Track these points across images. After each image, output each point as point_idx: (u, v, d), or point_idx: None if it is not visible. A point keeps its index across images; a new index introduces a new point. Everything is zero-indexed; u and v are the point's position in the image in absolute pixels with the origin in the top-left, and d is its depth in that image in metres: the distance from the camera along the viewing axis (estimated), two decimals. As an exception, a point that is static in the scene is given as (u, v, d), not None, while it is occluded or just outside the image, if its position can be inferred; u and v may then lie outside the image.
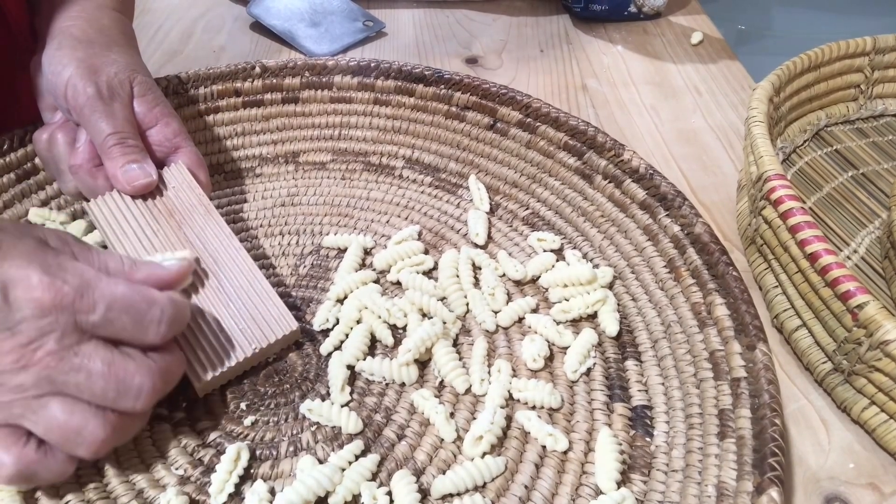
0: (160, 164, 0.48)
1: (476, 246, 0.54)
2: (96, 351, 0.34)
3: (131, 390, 0.35)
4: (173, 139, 0.49)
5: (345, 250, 0.53)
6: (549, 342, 0.46)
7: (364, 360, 0.45)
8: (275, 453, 0.41)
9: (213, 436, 0.41)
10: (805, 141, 0.66)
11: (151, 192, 0.47)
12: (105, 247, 0.49)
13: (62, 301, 0.33)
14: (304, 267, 0.52)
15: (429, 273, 0.51)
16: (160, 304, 0.36)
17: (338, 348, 0.46)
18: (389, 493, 0.38)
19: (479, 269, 0.51)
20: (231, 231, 0.47)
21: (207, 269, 0.45)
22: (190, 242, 0.45)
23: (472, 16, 0.88)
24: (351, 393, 0.44)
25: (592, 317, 0.48)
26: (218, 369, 0.42)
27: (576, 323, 0.48)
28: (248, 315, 0.43)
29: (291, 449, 0.41)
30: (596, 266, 0.51)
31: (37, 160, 0.53)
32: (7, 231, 0.35)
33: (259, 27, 0.81)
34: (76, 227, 0.52)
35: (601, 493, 0.39)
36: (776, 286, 0.50)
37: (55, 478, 0.36)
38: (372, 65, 0.59)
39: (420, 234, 0.54)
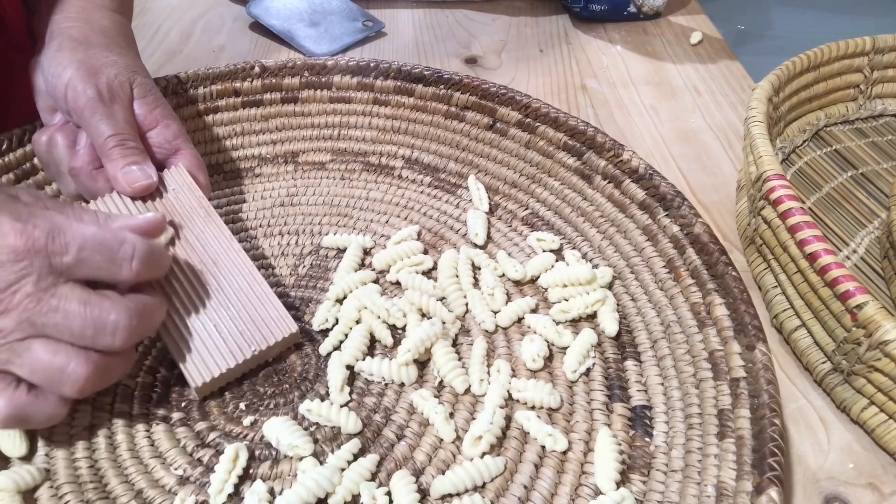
0: (160, 166, 0.48)
1: (475, 246, 0.54)
2: (72, 291, 0.35)
3: (107, 327, 0.36)
4: (173, 141, 0.49)
5: (344, 250, 0.53)
6: (548, 342, 0.46)
7: (363, 360, 0.45)
8: (274, 453, 0.41)
9: (212, 436, 0.41)
10: (804, 141, 0.66)
11: (151, 194, 0.47)
12: None
13: (34, 244, 0.34)
14: (304, 267, 0.52)
15: (428, 273, 0.51)
16: (130, 240, 0.38)
17: (337, 348, 0.46)
18: (389, 494, 0.38)
19: (479, 269, 0.51)
20: (231, 233, 0.46)
21: (207, 272, 0.45)
22: (190, 245, 0.45)
23: (472, 16, 0.88)
24: (350, 393, 0.44)
25: (592, 317, 0.48)
26: (217, 372, 0.42)
27: (575, 323, 0.48)
28: (247, 317, 0.43)
29: (291, 449, 0.41)
30: (595, 266, 0.51)
31: (35, 160, 0.53)
32: None
33: (258, 27, 0.81)
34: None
35: (600, 493, 0.39)
36: (775, 286, 0.50)
37: (48, 420, 0.37)
38: (371, 65, 0.59)
39: (419, 234, 0.54)
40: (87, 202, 0.47)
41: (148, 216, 0.41)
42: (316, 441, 0.41)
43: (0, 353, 0.35)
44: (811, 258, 0.43)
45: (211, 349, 0.42)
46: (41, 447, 0.40)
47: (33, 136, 0.49)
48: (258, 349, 0.43)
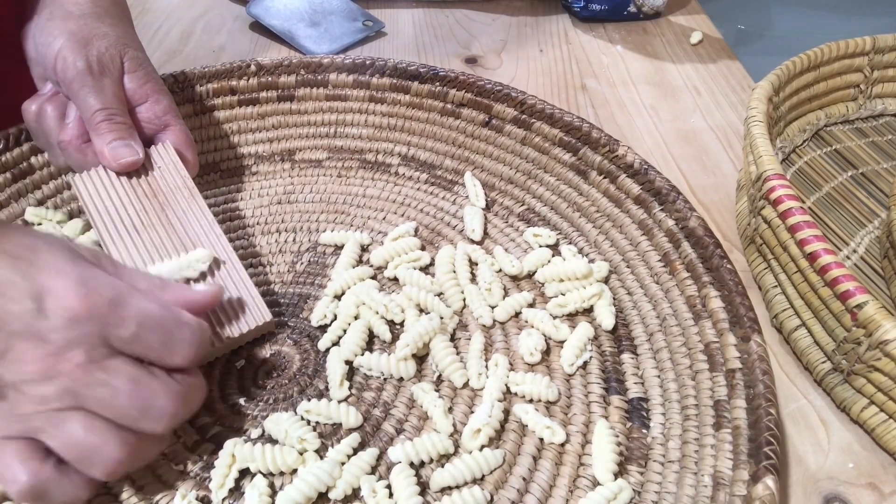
0: (149, 142, 0.48)
1: (472, 242, 0.54)
2: (123, 367, 0.33)
3: (153, 410, 0.33)
4: (163, 116, 0.48)
5: (342, 247, 0.53)
6: (545, 336, 0.46)
7: (362, 355, 0.45)
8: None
9: (212, 431, 0.41)
10: (804, 141, 0.66)
11: (137, 170, 0.47)
12: (89, 225, 0.50)
13: (95, 312, 0.32)
14: (302, 264, 0.52)
15: (426, 269, 0.51)
16: (190, 326, 0.36)
17: (336, 344, 0.46)
18: (389, 487, 0.38)
19: (476, 264, 0.51)
20: (213, 216, 0.47)
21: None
22: (171, 225, 0.45)
23: (472, 16, 0.88)
24: (350, 388, 0.44)
25: (588, 311, 0.48)
26: None
27: (572, 317, 0.48)
28: (224, 303, 0.44)
29: (289, 443, 0.41)
30: (591, 261, 0.51)
31: (33, 159, 0.53)
32: (43, 240, 0.34)
33: (259, 27, 0.82)
34: (73, 227, 0.52)
35: (598, 484, 0.39)
36: (775, 286, 0.50)
37: (68, 501, 0.34)
38: (367, 62, 0.59)
39: (416, 230, 0.54)
40: (76, 174, 0.47)
41: (207, 290, 0.39)
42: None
43: (35, 420, 0.32)
44: (811, 258, 0.43)
45: None
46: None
47: (23, 105, 0.49)
48: (230, 336, 0.43)
